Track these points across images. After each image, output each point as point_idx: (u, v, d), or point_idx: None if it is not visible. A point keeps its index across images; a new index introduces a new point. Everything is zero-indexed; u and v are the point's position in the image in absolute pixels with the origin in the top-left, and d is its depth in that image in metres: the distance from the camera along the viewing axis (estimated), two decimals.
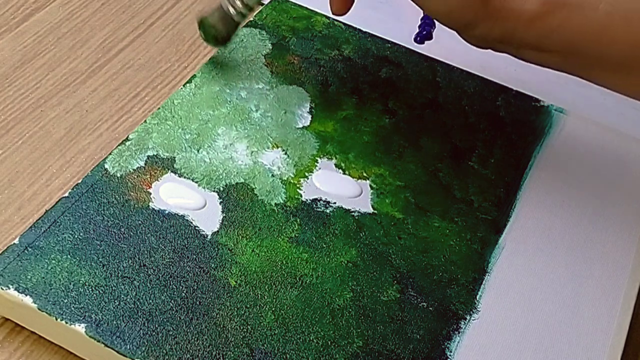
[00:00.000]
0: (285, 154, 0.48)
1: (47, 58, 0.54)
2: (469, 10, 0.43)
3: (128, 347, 0.38)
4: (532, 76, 0.58)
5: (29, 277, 0.40)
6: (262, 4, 0.51)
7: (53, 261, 0.40)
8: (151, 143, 0.47)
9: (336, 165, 0.48)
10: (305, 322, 0.40)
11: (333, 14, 0.50)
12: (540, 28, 0.43)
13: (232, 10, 0.50)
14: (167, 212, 0.44)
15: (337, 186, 0.47)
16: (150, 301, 0.40)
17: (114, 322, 0.39)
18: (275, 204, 0.45)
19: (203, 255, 0.42)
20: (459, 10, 0.44)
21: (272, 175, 0.47)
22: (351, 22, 0.57)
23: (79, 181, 0.44)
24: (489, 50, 0.46)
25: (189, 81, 0.51)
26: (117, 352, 0.38)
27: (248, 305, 0.40)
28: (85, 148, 0.49)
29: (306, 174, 0.47)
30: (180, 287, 0.41)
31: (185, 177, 0.46)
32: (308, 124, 0.50)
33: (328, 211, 0.46)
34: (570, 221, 0.48)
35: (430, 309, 0.42)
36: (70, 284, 0.40)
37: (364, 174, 0.48)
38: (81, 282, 0.40)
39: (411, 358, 0.40)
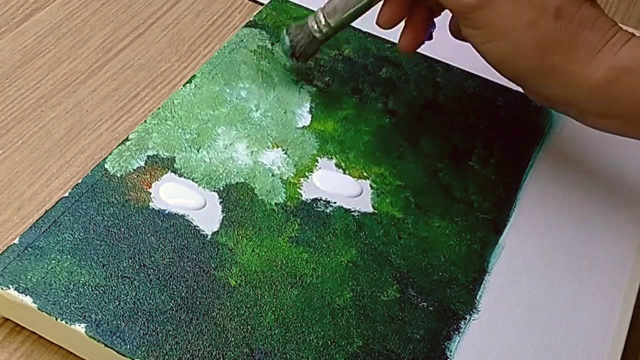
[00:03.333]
0: (285, 153, 0.48)
1: (47, 58, 0.54)
2: (522, 61, 0.42)
3: (128, 347, 0.38)
4: None
5: (29, 277, 0.40)
6: (346, 25, 0.50)
7: (53, 261, 0.40)
8: (151, 143, 0.47)
9: (336, 165, 0.48)
10: (305, 322, 0.40)
11: (381, 26, 0.49)
12: (606, 95, 0.41)
13: (315, 27, 0.49)
14: (167, 212, 0.44)
15: (337, 186, 0.47)
16: (150, 301, 0.40)
17: (114, 322, 0.39)
18: (276, 203, 0.45)
19: (203, 255, 0.42)
20: (513, 61, 0.42)
21: (272, 175, 0.47)
22: None
23: (79, 181, 0.44)
24: None
25: (189, 81, 0.51)
26: (117, 352, 0.38)
27: (248, 305, 0.40)
28: (85, 148, 0.49)
29: (306, 173, 0.47)
30: (180, 287, 0.41)
31: (185, 177, 0.46)
32: (308, 123, 0.50)
33: (328, 211, 0.46)
34: (570, 221, 0.48)
35: (430, 309, 0.42)
36: (70, 284, 0.40)
37: (364, 174, 0.48)
38: (81, 282, 0.40)
39: (411, 358, 0.40)
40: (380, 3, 0.49)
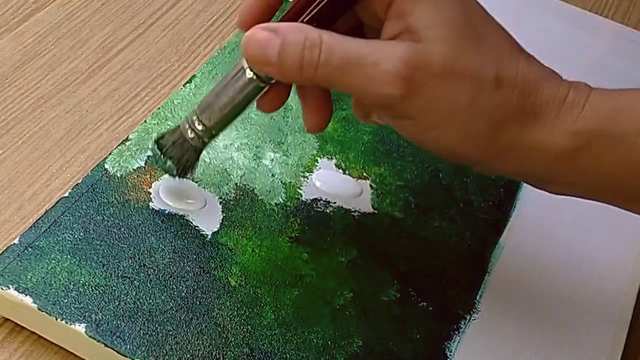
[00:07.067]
0: (285, 153, 0.48)
1: (47, 58, 0.54)
2: (473, 147, 0.36)
3: (128, 347, 0.38)
4: None
5: (29, 277, 0.40)
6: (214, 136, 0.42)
7: (53, 261, 0.40)
8: (151, 143, 0.47)
9: (336, 165, 0.48)
10: (305, 322, 0.40)
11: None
12: (572, 163, 0.36)
13: (193, 135, 0.41)
14: (167, 212, 0.44)
15: (337, 186, 0.47)
16: (150, 301, 0.40)
17: (114, 322, 0.39)
18: (275, 203, 0.45)
19: (203, 255, 0.42)
20: (461, 148, 0.37)
21: (272, 175, 0.47)
22: None
23: (79, 181, 0.44)
24: None
25: (189, 81, 0.51)
26: (117, 352, 0.38)
27: (248, 305, 0.40)
28: (85, 148, 0.49)
29: (306, 173, 0.47)
30: (180, 287, 0.41)
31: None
32: None
33: (328, 211, 0.46)
34: (570, 221, 0.48)
35: (430, 309, 0.42)
36: (70, 284, 0.40)
37: (364, 174, 0.48)
38: (81, 282, 0.40)
39: (411, 358, 0.40)
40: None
